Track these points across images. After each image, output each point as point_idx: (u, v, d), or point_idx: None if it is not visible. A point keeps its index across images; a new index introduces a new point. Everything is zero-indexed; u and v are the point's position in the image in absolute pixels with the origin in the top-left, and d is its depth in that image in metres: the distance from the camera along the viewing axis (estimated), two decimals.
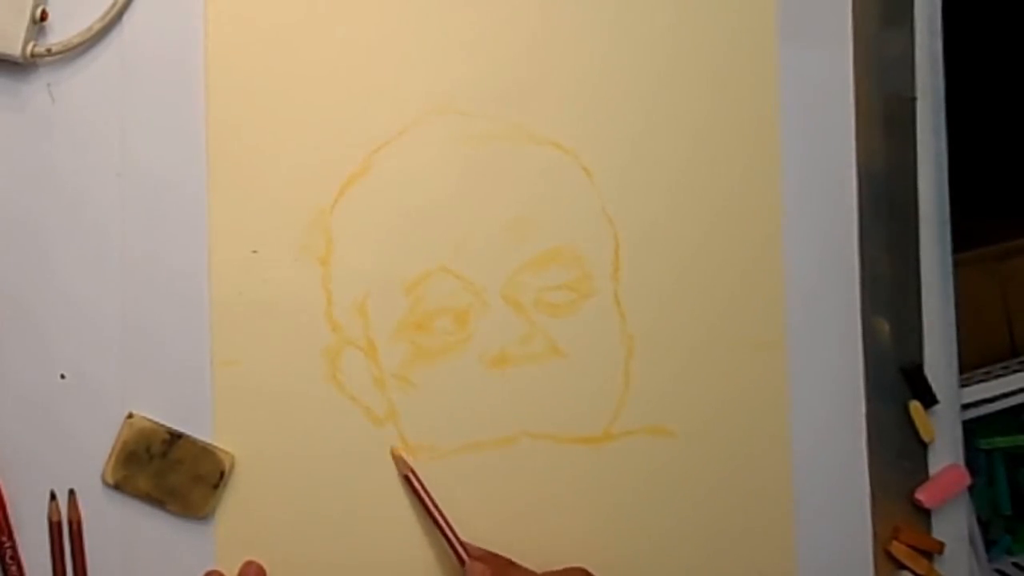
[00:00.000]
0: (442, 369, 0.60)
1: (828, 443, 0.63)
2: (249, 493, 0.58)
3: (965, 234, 0.68)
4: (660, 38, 0.62)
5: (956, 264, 0.66)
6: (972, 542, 0.66)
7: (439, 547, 0.59)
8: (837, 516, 0.63)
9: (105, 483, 0.57)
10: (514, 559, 0.58)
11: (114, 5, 0.57)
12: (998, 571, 0.77)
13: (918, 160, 0.65)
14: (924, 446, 0.65)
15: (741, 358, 0.62)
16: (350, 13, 0.60)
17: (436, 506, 0.58)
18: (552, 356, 0.61)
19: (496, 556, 0.58)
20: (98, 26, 0.57)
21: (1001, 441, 0.78)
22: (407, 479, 0.59)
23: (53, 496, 0.57)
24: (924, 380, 0.64)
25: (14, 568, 0.56)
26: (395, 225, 0.60)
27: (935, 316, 0.65)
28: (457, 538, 0.58)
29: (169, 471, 0.57)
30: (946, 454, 0.65)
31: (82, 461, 0.57)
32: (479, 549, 0.58)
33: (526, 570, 0.57)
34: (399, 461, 0.59)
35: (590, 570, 0.57)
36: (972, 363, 0.76)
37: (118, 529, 0.57)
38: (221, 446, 0.58)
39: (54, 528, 0.57)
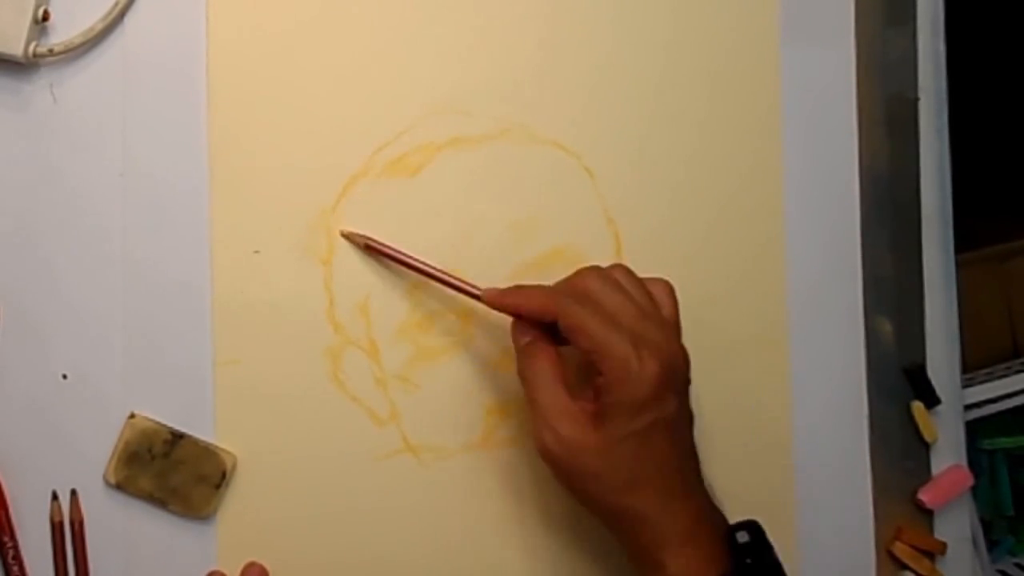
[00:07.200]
0: (444, 370, 0.60)
1: (830, 443, 0.63)
2: (251, 493, 0.58)
3: (968, 234, 0.68)
4: (662, 39, 0.62)
5: (959, 264, 0.66)
6: (974, 543, 0.66)
7: (441, 547, 0.59)
8: (839, 516, 0.63)
9: (107, 483, 0.57)
10: None
11: (116, 5, 0.57)
12: (1000, 572, 0.77)
13: (921, 160, 0.65)
14: (926, 446, 0.65)
15: (743, 358, 0.62)
16: (351, 14, 0.60)
17: (419, 259, 0.57)
18: None
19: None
20: (100, 26, 0.57)
21: (1004, 441, 0.78)
22: (368, 247, 0.58)
23: (55, 496, 0.57)
24: (927, 380, 0.64)
25: (16, 568, 0.56)
26: (397, 225, 0.60)
27: (938, 316, 0.65)
28: (463, 281, 0.57)
29: (171, 471, 0.57)
30: (948, 454, 0.65)
31: (84, 461, 0.57)
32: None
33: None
34: (353, 236, 0.58)
35: None
36: (975, 363, 0.76)
37: (120, 529, 0.57)
38: (223, 446, 0.58)
39: (56, 528, 0.57)
